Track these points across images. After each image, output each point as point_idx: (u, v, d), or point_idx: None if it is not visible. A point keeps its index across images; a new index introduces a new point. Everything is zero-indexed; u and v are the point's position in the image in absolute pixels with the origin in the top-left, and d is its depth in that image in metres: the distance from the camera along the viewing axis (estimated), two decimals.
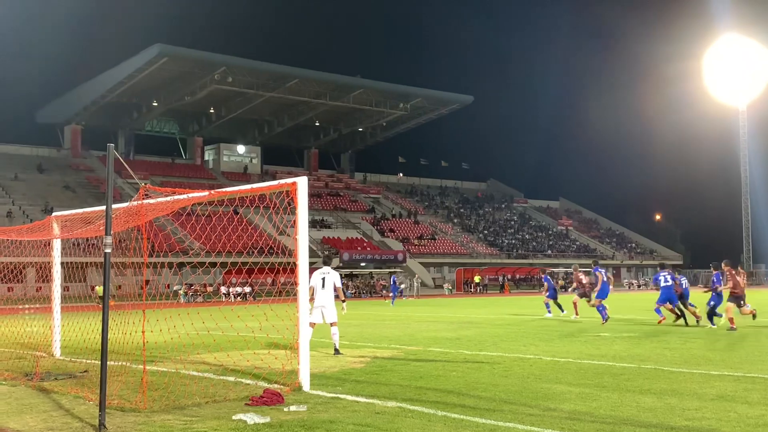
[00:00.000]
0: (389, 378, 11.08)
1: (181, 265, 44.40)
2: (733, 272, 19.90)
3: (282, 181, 10.71)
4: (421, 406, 8.68)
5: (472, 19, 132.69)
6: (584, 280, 24.67)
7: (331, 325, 14.22)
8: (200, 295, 51.95)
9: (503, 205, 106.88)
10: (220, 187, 55.74)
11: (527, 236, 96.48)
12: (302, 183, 10.39)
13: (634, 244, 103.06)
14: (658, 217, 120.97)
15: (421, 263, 77.02)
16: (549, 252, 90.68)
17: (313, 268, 15.46)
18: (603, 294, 22.46)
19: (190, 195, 10.20)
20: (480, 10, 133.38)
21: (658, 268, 23.31)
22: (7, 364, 13.08)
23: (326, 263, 14.73)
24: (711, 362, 12.62)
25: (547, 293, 27.01)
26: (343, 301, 15.07)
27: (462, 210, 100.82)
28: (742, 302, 19.71)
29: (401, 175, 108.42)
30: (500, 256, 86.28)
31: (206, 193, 10.65)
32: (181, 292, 50.68)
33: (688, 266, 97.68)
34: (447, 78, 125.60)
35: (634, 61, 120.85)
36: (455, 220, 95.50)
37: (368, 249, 76.07)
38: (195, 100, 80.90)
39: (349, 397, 9.32)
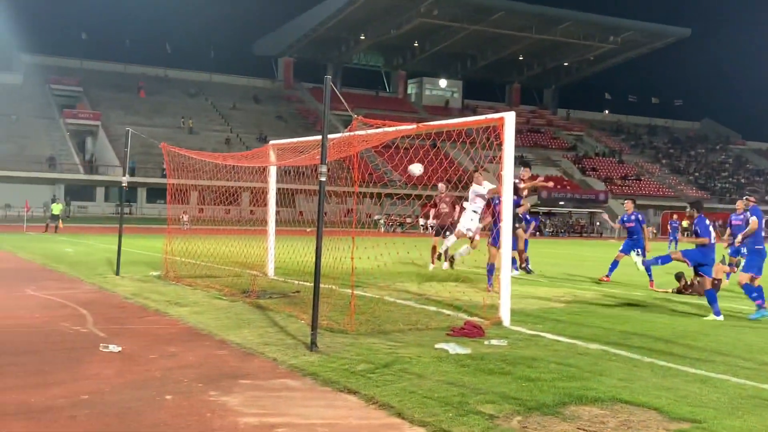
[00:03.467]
0: (591, 320, 10.85)
1: (381, 196, 45.62)
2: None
3: (489, 116, 10.61)
4: (626, 350, 8.44)
5: None
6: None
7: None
8: (399, 225, 53.26)
9: (717, 147, 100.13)
10: (422, 120, 56.30)
11: (743, 180, 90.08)
12: (509, 118, 10.24)
13: None
14: None
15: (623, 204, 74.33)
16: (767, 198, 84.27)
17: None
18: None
19: (399, 127, 10.36)
20: None
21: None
22: (227, 281, 14.14)
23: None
24: None
25: None
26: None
27: (671, 150, 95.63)
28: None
29: (607, 112, 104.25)
30: (711, 200, 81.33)
31: (414, 125, 10.76)
32: (381, 222, 52.20)
33: None
34: (662, 10, 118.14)
35: None
36: (663, 161, 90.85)
37: (568, 188, 74.36)
38: (400, 34, 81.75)
39: (550, 336, 9.24)
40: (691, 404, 6.20)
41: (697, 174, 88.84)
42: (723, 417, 5.86)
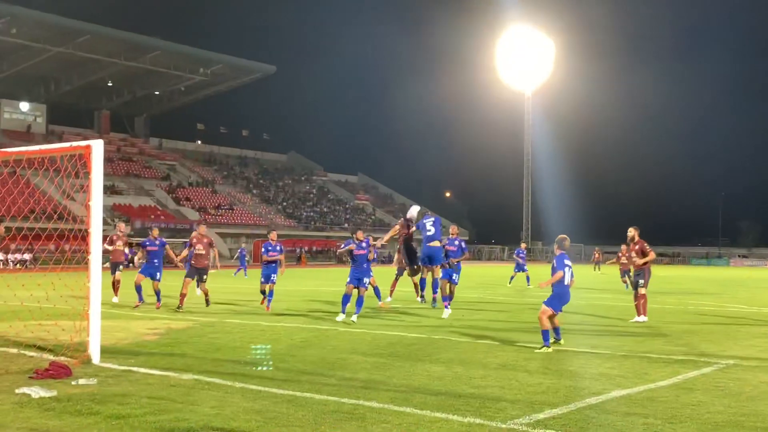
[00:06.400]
0: (184, 350, 10.88)
1: None
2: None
3: (75, 144, 10.14)
4: (218, 377, 8.61)
5: None
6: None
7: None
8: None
9: (302, 178, 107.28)
10: (0, 146, 51.61)
11: (325, 209, 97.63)
12: (97, 146, 9.89)
13: None
14: (447, 194, 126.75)
15: (218, 233, 75.79)
16: (346, 225, 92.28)
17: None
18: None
19: None
20: None
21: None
22: None
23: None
24: (494, 332, 13.48)
25: None
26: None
27: (261, 181, 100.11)
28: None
29: (200, 142, 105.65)
30: (298, 228, 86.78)
31: None
32: None
33: (473, 242, 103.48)
34: (251, 46, 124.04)
35: (434, 49, 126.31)
36: (254, 191, 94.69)
37: (162, 217, 73.76)
38: None
39: (142, 370, 9.06)
40: (279, 424, 6.53)
41: (285, 203, 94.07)
42: None
